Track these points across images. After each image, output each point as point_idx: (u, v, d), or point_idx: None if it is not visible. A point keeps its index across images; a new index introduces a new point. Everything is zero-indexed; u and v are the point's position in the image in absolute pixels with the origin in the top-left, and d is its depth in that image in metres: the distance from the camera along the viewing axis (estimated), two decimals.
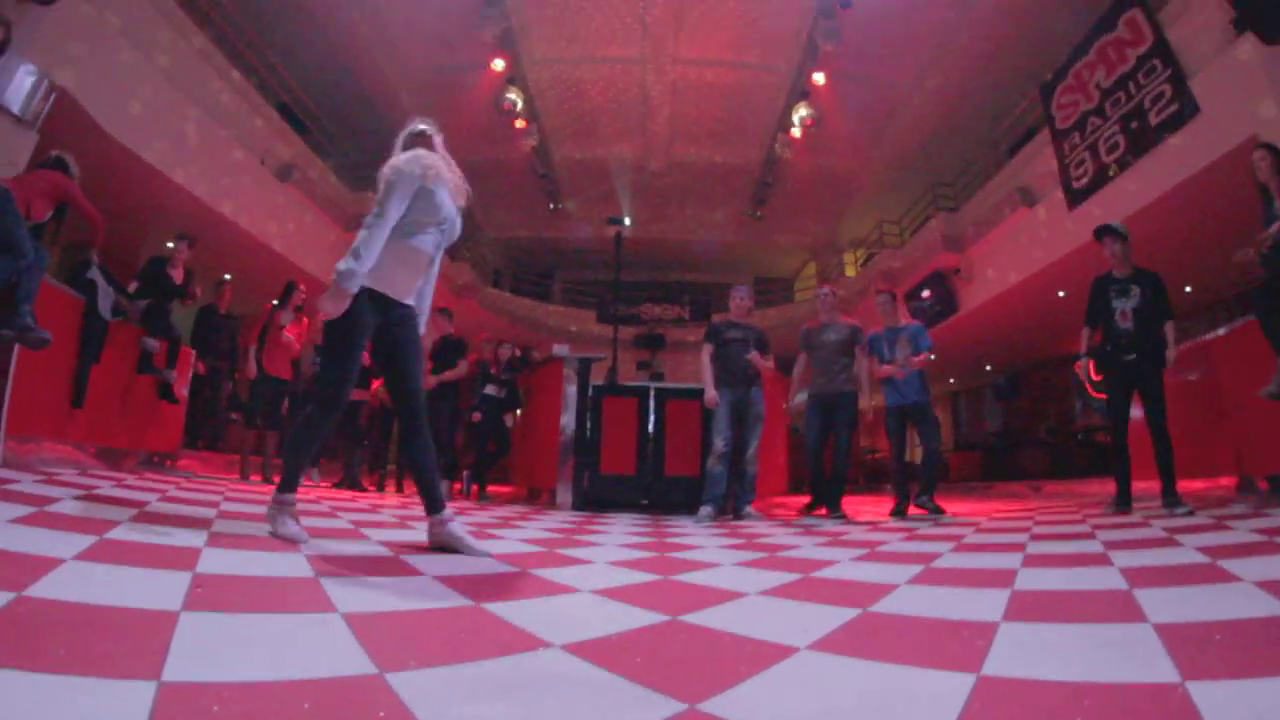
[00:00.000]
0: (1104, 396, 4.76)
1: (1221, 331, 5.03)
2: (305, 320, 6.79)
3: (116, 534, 2.17)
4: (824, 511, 5.24)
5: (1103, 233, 4.67)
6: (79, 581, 1.50)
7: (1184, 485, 5.45)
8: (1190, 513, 3.84)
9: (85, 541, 1.94)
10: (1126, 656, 1.23)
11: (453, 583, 2.02)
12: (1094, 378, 4.71)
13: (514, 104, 14.36)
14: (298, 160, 11.59)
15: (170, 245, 6.27)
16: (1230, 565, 2.05)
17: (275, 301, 6.71)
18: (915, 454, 5.75)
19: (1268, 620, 1.40)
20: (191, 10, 9.67)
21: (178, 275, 5.98)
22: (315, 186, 11.88)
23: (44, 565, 1.57)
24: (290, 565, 2.04)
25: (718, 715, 1.01)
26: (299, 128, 12.44)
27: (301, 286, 6.85)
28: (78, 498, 2.97)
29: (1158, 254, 9.98)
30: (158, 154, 8.29)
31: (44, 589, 1.39)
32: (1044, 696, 1.06)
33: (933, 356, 5.48)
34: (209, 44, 9.84)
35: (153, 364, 5.82)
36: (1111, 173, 9.24)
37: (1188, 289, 12.15)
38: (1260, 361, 4.14)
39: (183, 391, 6.62)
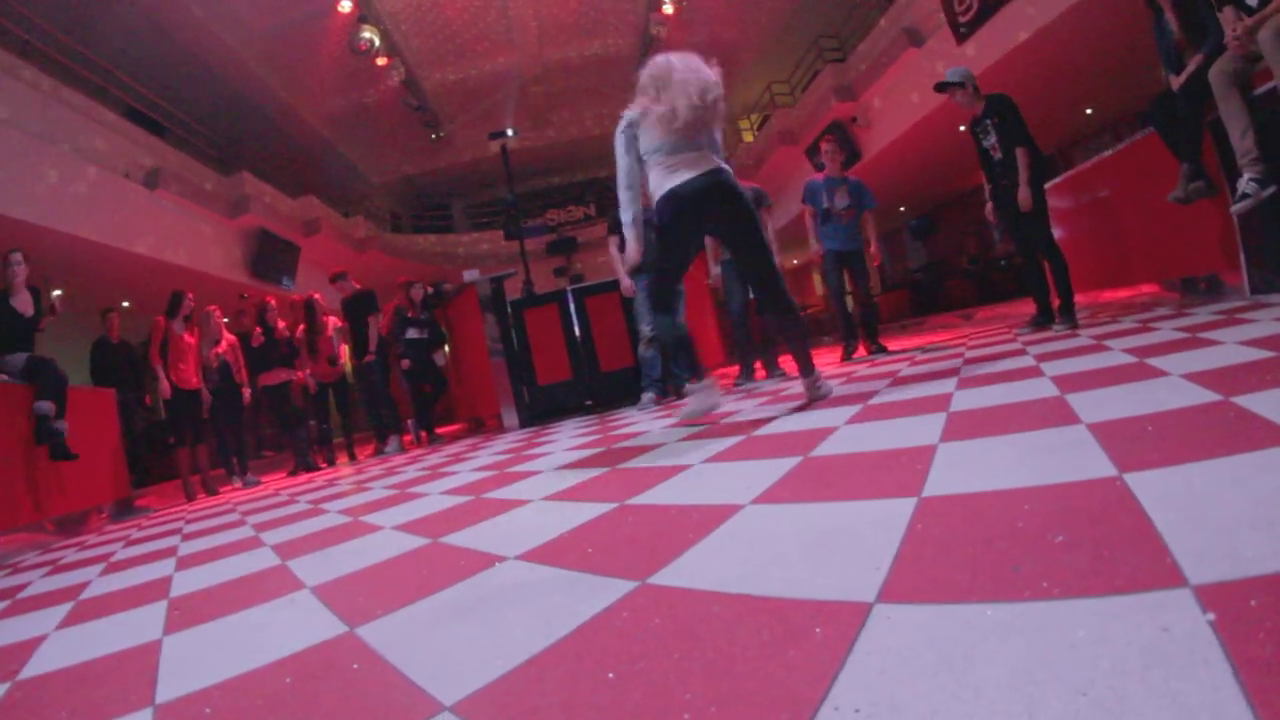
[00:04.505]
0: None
1: (1123, 145, 5.15)
2: (196, 330, 6.50)
3: (90, 592, 2.21)
4: (763, 373, 5.40)
5: (942, 88, 4.64)
6: (66, 648, 1.52)
7: (1109, 295, 5.75)
8: (1073, 328, 4.05)
9: (63, 611, 1.97)
10: (1063, 459, 1.26)
11: (409, 528, 2.09)
12: (991, 220, 4.82)
13: (371, 42, 13.49)
14: (163, 163, 10.80)
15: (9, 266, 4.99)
16: (1157, 362, 2.10)
17: (165, 313, 6.34)
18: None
19: (1196, 409, 1.43)
20: (10, 42, 8.67)
21: (22, 302, 4.97)
22: (187, 183, 11.13)
23: (29, 647, 1.59)
24: (258, 560, 2.11)
25: (666, 585, 1.06)
26: (155, 129, 11.51)
27: (190, 295, 6.49)
28: (46, 574, 2.95)
29: (1055, 80, 10.23)
30: (9, 203, 7.61)
31: (35, 667, 1.41)
32: (985, 507, 1.09)
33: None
34: (37, 70, 8.86)
35: (52, 428, 4.67)
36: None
37: (1089, 111, 12.47)
38: (1162, 170, 4.25)
39: (114, 436, 6.19)
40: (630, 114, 3.03)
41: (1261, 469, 0.99)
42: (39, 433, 4.64)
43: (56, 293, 5.70)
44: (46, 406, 4.66)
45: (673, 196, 2.93)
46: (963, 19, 9.84)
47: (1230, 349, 2.11)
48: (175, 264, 10.39)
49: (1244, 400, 1.40)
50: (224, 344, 6.59)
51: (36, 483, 4.67)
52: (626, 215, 3.12)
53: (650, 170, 3.03)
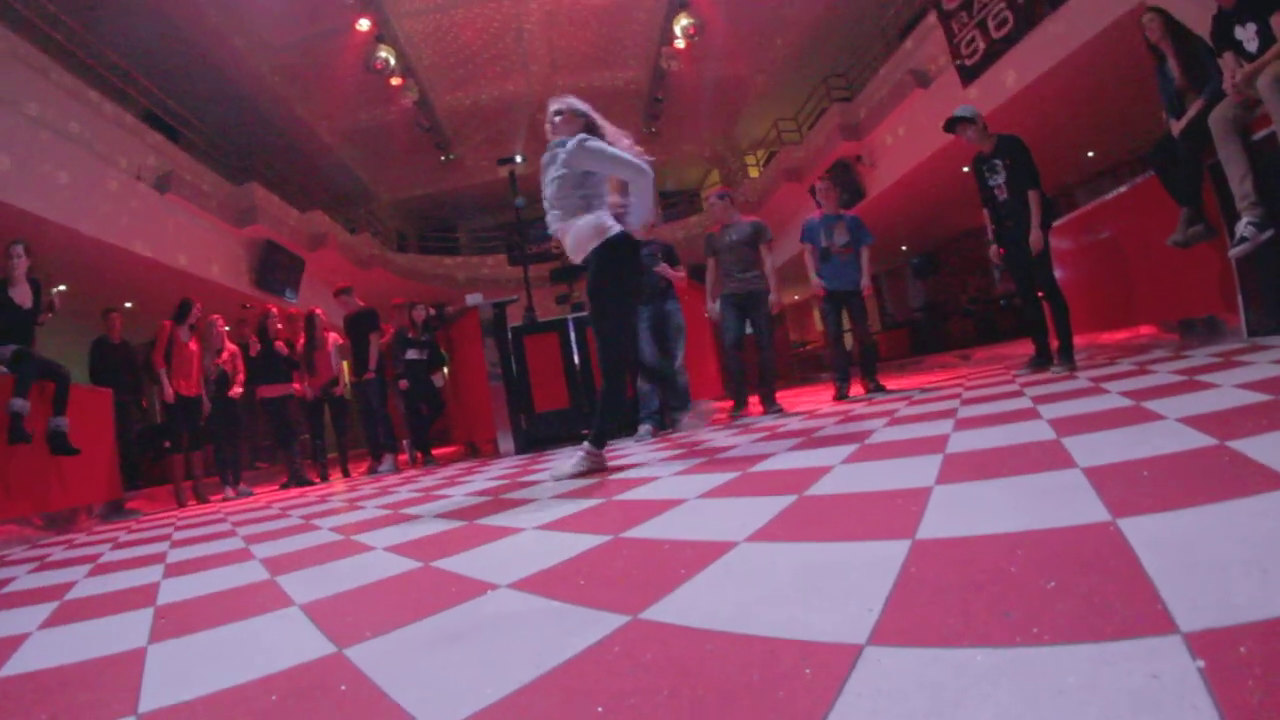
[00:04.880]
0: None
1: (1124, 189, 5.22)
2: (199, 339, 6.55)
3: (75, 593, 2.19)
4: (759, 409, 5.41)
5: (952, 125, 4.71)
6: (48, 648, 1.51)
7: (1107, 337, 5.77)
8: (1071, 370, 4.08)
9: (47, 610, 1.95)
10: (1058, 503, 1.26)
11: (402, 550, 2.07)
12: (996, 262, 4.86)
13: (386, 62, 13.70)
14: (175, 168, 10.89)
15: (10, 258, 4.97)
16: (1154, 405, 2.11)
17: (173, 317, 6.39)
18: (845, 340, 5.93)
19: (1191, 453, 1.43)
20: (34, 36, 8.81)
21: (22, 294, 4.90)
22: (198, 190, 11.23)
23: (10, 645, 1.57)
24: (247, 573, 2.09)
25: (658, 621, 1.05)
26: (169, 134, 11.64)
27: (198, 305, 6.54)
28: (32, 571, 2.94)
29: (1058, 122, 10.37)
30: (21, 194, 7.67)
31: (14, 666, 1.39)
32: (979, 551, 1.09)
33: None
34: (61, 70, 8.99)
35: (24, 431, 4.53)
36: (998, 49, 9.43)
37: (1090, 154, 12.63)
38: (1162, 214, 4.31)
39: (109, 436, 6.17)
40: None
41: (1255, 515, 1.00)
42: (13, 432, 4.50)
43: (59, 289, 5.69)
44: (20, 404, 4.53)
45: (631, 243, 3.15)
46: (968, 61, 10.01)
47: (1227, 392, 2.12)
48: (180, 269, 10.45)
49: (1239, 445, 1.41)
50: (225, 354, 6.62)
51: (27, 476, 4.67)
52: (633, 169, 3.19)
53: (596, 200, 3.22)
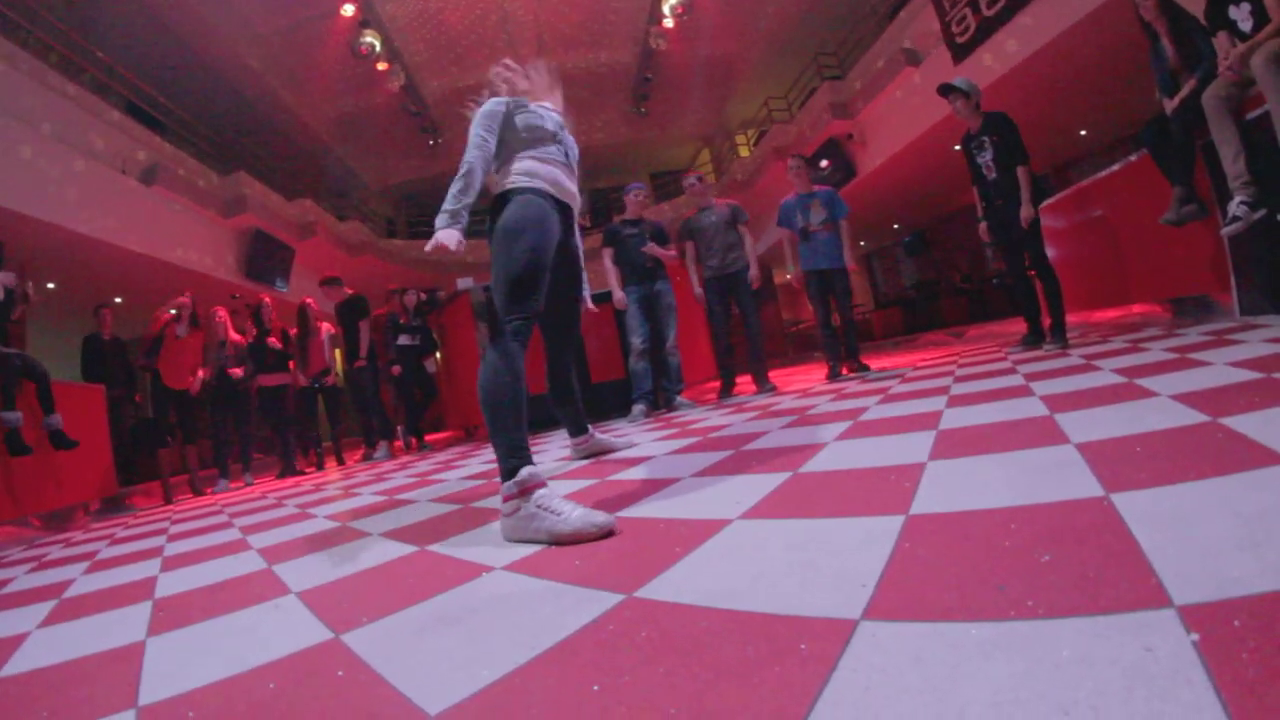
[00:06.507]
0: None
1: (1116, 168, 5.21)
2: (200, 331, 6.52)
3: (74, 591, 2.19)
4: (753, 389, 5.42)
5: (945, 91, 4.64)
6: (47, 647, 1.51)
7: (1099, 315, 5.78)
8: (1064, 348, 4.08)
9: (46, 608, 1.95)
10: (1051, 478, 1.26)
11: (398, 535, 2.08)
12: (985, 239, 4.84)
13: (372, 47, 13.54)
14: (160, 159, 10.73)
15: None
16: (1146, 383, 2.11)
17: (173, 311, 6.36)
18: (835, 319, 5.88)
19: (1184, 430, 1.44)
20: (13, 32, 8.67)
21: None
22: (184, 181, 11.07)
23: (10, 645, 1.57)
24: (243, 564, 2.09)
25: (653, 599, 1.06)
26: (154, 125, 11.45)
27: (188, 293, 6.51)
28: (30, 570, 2.93)
29: (1049, 101, 10.32)
30: (2, 193, 7.56)
31: (15, 666, 1.40)
32: (973, 526, 1.09)
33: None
34: (39, 63, 8.85)
35: (22, 440, 4.55)
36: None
37: (1083, 132, 12.58)
38: (1154, 192, 4.29)
39: (102, 433, 6.12)
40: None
41: (1248, 490, 1.00)
42: (12, 446, 4.50)
43: (31, 284, 5.64)
44: (13, 418, 4.53)
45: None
46: (960, 39, 9.94)
47: (1219, 370, 2.12)
48: (169, 261, 10.33)
49: (1231, 421, 1.41)
50: (230, 346, 6.59)
51: (22, 477, 4.63)
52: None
53: (525, 155, 2.54)
